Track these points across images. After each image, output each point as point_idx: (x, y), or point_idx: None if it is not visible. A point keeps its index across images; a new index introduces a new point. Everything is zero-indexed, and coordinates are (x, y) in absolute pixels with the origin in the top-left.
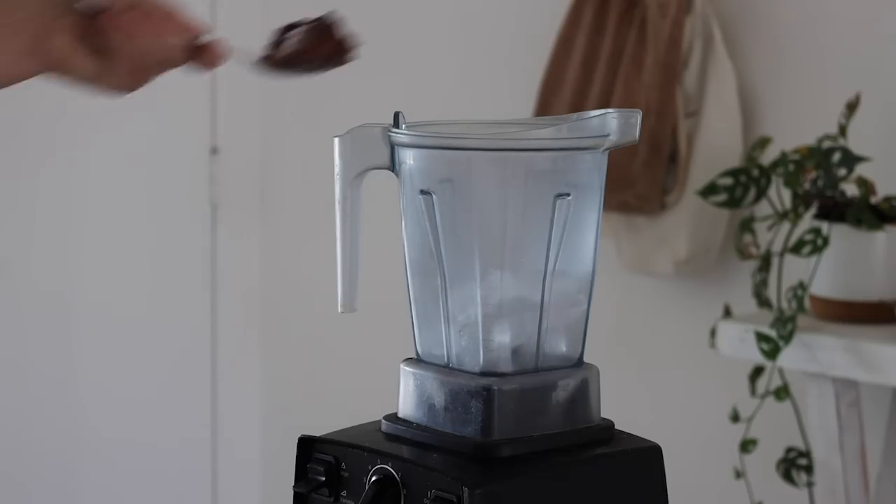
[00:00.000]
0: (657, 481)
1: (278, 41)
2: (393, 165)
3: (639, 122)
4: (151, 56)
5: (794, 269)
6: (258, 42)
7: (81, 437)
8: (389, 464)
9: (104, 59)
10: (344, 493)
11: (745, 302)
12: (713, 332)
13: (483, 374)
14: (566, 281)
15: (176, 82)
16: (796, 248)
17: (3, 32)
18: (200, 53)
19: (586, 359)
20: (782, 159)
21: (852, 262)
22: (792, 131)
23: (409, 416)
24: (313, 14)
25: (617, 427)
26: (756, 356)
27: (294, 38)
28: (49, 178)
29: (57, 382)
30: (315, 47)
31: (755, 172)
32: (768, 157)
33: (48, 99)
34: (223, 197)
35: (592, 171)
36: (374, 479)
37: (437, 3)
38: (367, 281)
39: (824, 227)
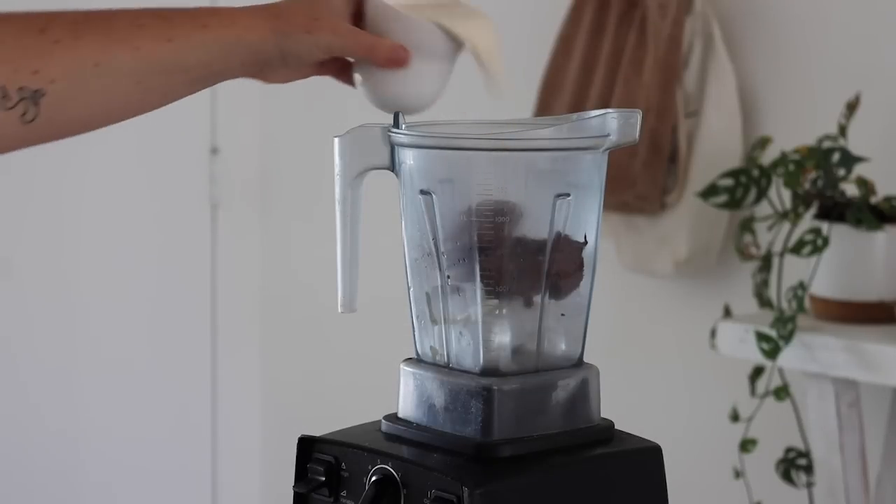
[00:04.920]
0: (657, 481)
1: None
2: (393, 165)
3: (639, 122)
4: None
5: (794, 269)
6: None
7: (81, 435)
8: (389, 464)
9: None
10: (344, 493)
11: (745, 302)
12: (713, 332)
13: (483, 374)
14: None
15: None
16: (796, 249)
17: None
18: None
19: (586, 359)
20: (782, 159)
21: (852, 262)
22: (792, 131)
23: (409, 416)
24: None
25: (617, 427)
26: (756, 356)
27: None
28: (49, 177)
29: (57, 382)
30: None
31: (755, 173)
32: (768, 157)
33: None
34: (223, 197)
35: (592, 171)
36: (374, 479)
37: None
38: (367, 281)
39: (824, 227)
